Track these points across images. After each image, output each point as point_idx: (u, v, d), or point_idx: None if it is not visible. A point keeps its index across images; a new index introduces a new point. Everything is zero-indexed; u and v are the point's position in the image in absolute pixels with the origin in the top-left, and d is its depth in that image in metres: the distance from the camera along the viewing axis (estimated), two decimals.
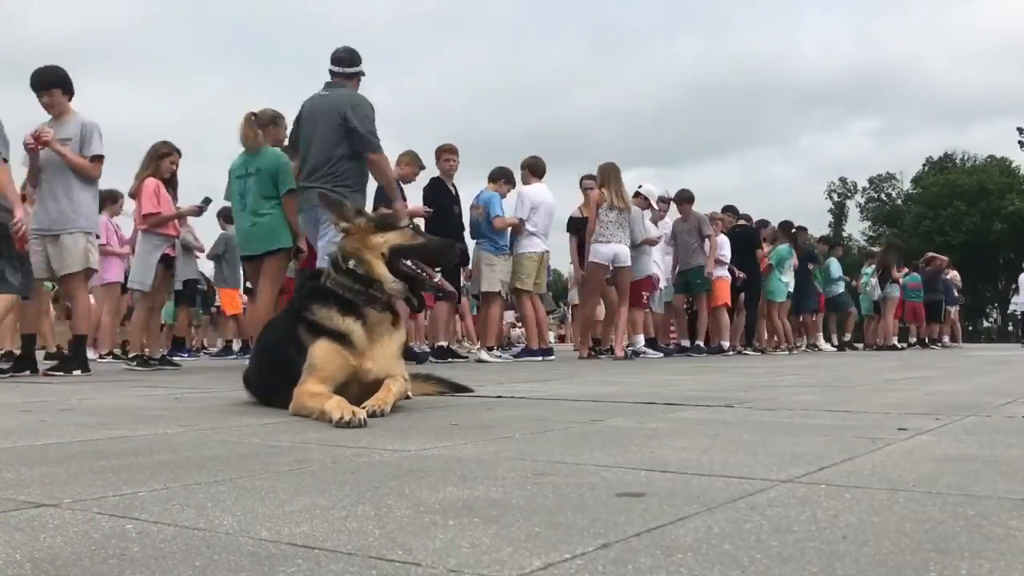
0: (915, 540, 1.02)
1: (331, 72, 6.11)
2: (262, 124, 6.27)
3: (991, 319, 55.70)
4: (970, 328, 21.39)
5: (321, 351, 2.60)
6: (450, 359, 7.88)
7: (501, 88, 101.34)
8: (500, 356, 8.41)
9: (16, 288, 5.18)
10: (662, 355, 9.60)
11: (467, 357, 8.46)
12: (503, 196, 8.35)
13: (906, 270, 16.01)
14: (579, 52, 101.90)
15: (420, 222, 6.94)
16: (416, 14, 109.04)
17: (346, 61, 6.12)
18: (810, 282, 13.00)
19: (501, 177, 8.43)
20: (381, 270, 2.66)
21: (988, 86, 78.79)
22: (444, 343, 8.21)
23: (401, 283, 2.69)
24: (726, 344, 10.67)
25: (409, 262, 2.70)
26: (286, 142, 6.42)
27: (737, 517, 1.14)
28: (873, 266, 15.37)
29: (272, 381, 2.86)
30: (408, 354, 7.36)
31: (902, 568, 0.90)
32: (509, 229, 8.33)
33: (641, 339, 9.59)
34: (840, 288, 14.36)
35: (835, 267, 14.35)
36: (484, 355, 7.97)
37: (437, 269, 2.85)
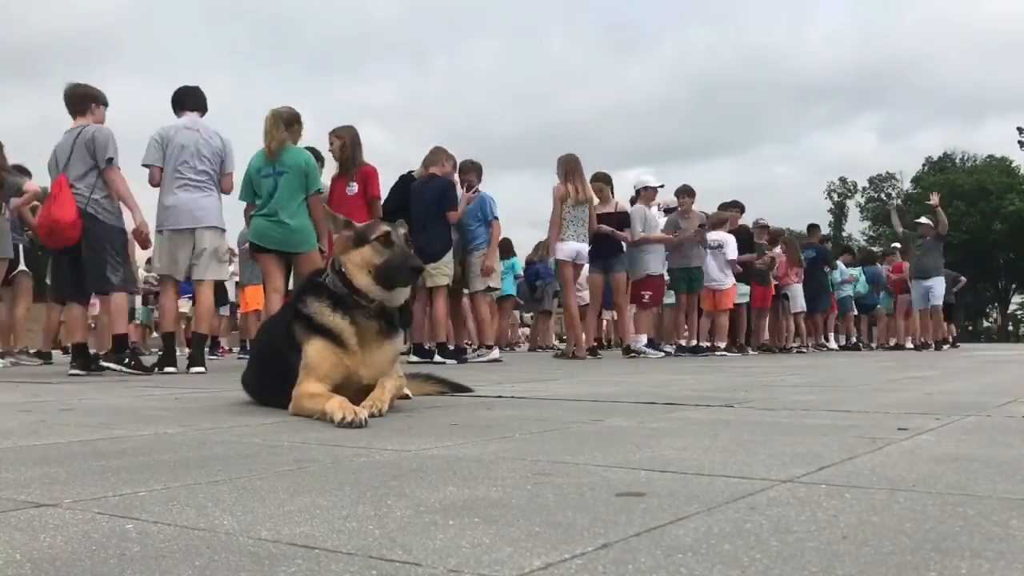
0: (915, 540, 1.02)
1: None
2: (286, 123, 6.14)
3: (991, 319, 55.71)
4: (970, 328, 21.32)
5: (315, 349, 2.61)
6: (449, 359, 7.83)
7: (504, 85, 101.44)
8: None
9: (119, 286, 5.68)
10: (662, 355, 9.60)
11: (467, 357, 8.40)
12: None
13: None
14: (584, 48, 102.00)
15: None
16: (419, 10, 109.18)
17: None
18: (824, 282, 13.10)
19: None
20: (361, 280, 2.66)
21: (990, 84, 78.85)
22: (442, 340, 8.16)
23: (390, 292, 2.69)
24: (721, 345, 10.65)
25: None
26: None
27: (737, 517, 1.14)
28: (859, 268, 15.46)
29: (270, 381, 2.87)
30: (420, 352, 7.36)
31: (902, 568, 0.90)
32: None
33: (643, 339, 9.58)
34: (845, 291, 14.48)
35: (841, 270, 14.50)
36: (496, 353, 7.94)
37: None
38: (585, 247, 8.46)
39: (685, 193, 10.34)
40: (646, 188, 9.83)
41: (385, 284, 2.65)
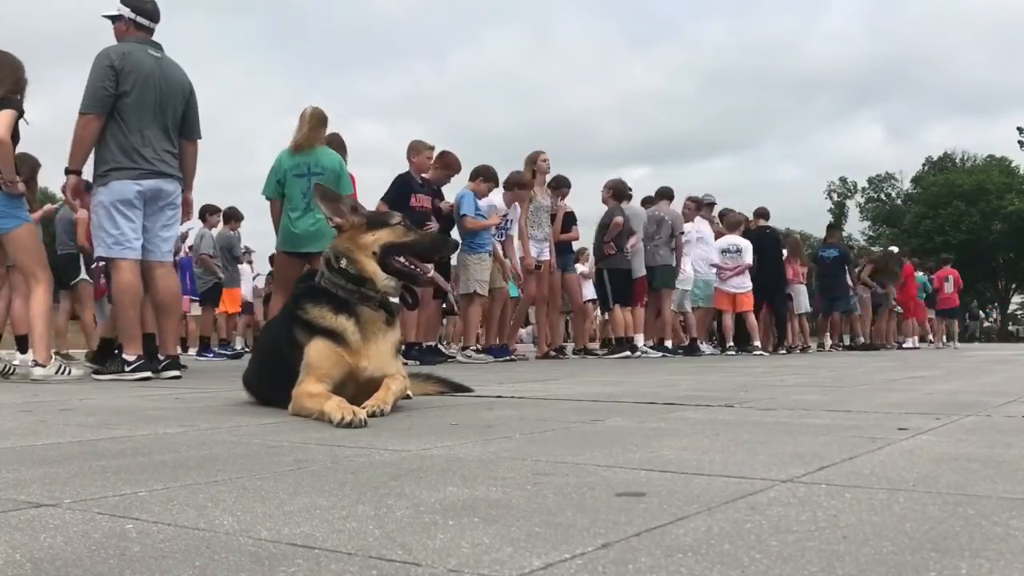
0: (915, 540, 1.02)
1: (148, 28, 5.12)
2: (321, 123, 6.08)
3: (991, 319, 55.70)
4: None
5: (316, 349, 2.60)
6: (437, 360, 7.79)
7: (510, 81, 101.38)
8: (471, 357, 7.99)
9: None
10: (661, 355, 9.60)
11: (454, 357, 8.32)
12: (481, 196, 8.05)
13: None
14: (597, 43, 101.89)
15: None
16: (419, 7, 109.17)
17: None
18: (844, 282, 13.09)
19: (478, 176, 8.16)
20: (372, 268, 2.65)
21: (997, 82, 78.67)
22: (432, 343, 8.16)
23: (395, 280, 2.70)
24: (757, 344, 10.68)
25: (402, 259, 2.69)
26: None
27: (737, 517, 1.14)
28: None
29: (271, 381, 2.87)
30: (415, 355, 7.32)
31: (902, 568, 0.90)
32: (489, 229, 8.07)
33: (641, 338, 9.61)
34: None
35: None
36: (459, 356, 7.90)
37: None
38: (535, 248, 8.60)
39: (662, 196, 10.35)
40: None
41: (425, 260, 2.75)
